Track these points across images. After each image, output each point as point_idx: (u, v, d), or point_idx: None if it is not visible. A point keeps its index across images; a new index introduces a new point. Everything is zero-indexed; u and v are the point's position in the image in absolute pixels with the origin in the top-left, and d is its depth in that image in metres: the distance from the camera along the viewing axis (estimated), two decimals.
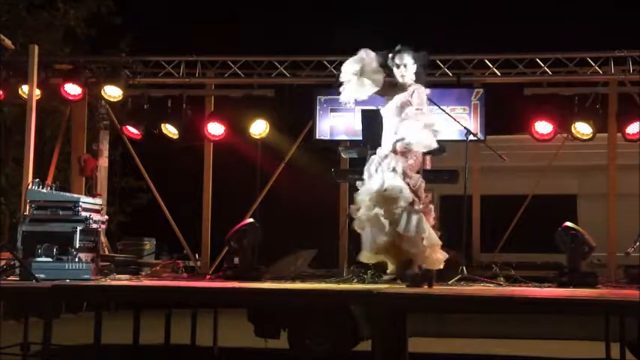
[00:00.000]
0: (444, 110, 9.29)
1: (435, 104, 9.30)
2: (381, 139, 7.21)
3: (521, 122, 10.48)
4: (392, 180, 6.92)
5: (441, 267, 7.05)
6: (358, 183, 7.19)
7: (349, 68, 7.13)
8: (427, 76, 9.02)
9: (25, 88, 10.14)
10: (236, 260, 8.33)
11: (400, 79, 7.18)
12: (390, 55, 7.17)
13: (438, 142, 7.27)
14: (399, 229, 6.84)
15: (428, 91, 7.32)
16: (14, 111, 13.27)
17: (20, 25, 14.33)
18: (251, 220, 8.82)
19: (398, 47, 7.17)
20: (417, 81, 7.23)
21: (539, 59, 10.34)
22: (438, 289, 7.19)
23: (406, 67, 7.15)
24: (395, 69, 7.17)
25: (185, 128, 10.88)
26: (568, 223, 8.20)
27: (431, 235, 6.92)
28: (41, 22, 14.83)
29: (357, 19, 17.22)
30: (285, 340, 9.43)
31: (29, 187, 7.78)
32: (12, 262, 7.42)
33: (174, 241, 11.12)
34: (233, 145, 11.49)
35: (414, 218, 6.85)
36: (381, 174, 6.99)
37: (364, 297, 6.60)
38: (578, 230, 8.07)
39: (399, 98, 7.15)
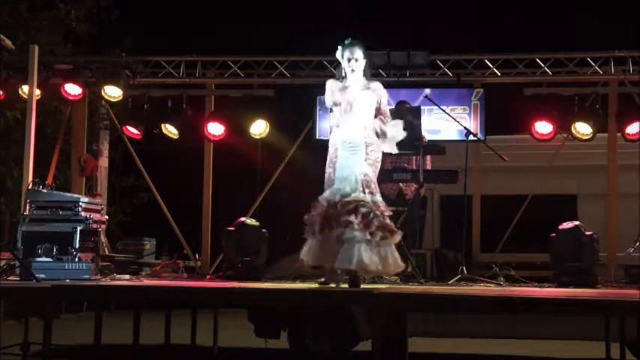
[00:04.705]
0: (444, 110, 9.34)
1: (435, 104, 9.37)
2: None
3: (521, 122, 10.47)
4: None
5: None
6: None
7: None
8: (430, 75, 8.91)
9: (25, 88, 10.15)
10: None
11: (350, 73, 7.07)
12: (340, 48, 7.09)
13: (439, 142, 7.28)
14: None
15: (428, 91, 7.32)
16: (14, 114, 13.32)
17: (21, 25, 14.33)
18: (243, 219, 8.82)
19: (349, 40, 7.07)
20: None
21: (539, 59, 10.32)
22: (438, 289, 7.19)
23: (357, 61, 7.04)
24: (345, 62, 7.06)
25: (185, 128, 10.88)
26: (578, 223, 8.21)
27: None
28: (42, 22, 14.83)
29: (356, 19, 17.21)
30: (285, 340, 9.42)
31: (29, 187, 7.79)
32: (12, 262, 7.43)
33: (174, 241, 11.11)
34: (233, 145, 11.49)
35: None
36: None
37: (364, 297, 6.60)
38: (593, 233, 8.08)
39: (368, 97, 7.06)
